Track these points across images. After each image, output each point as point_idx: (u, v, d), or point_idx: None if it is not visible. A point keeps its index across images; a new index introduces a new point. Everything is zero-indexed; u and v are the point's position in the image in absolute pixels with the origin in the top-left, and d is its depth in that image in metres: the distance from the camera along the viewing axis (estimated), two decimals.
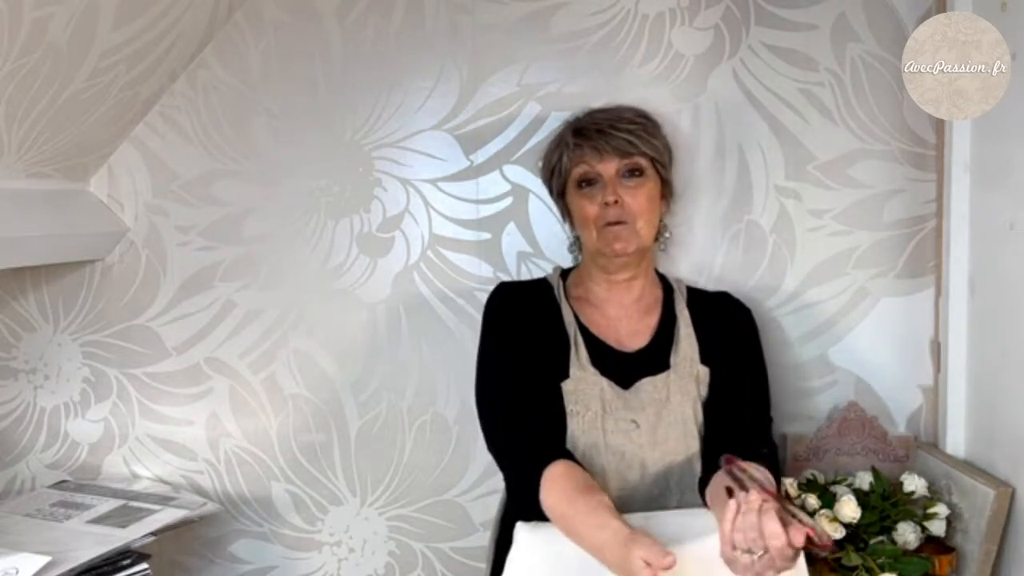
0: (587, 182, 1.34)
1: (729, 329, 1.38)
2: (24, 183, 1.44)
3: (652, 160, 1.35)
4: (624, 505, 1.23)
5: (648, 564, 1.00)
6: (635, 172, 1.33)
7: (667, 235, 1.45)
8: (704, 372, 1.33)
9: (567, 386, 1.30)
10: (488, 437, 1.32)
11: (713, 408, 1.32)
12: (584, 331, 1.35)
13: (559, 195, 1.42)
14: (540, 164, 1.46)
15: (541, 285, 1.42)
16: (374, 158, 1.61)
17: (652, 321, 1.38)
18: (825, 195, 1.57)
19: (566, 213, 1.44)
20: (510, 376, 1.31)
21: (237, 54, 1.61)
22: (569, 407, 1.29)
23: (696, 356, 1.34)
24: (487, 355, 1.35)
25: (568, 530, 1.15)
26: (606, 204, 1.31)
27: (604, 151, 1.32)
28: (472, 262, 1.62)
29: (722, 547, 1.00)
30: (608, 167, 1.32)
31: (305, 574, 1.70)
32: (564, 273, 1.46)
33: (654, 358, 1.34)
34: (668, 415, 1.29)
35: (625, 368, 1.32)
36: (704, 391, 1.33)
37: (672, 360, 1.33)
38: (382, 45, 1.59)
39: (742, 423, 1.30)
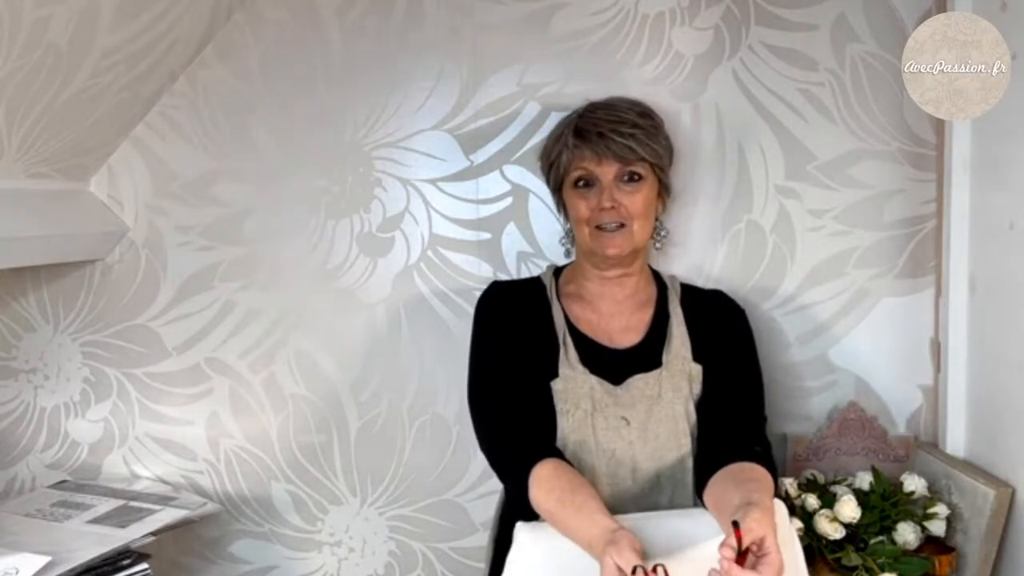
0: (585, 182, 1.34)
1: (722, 327, 1.38)
2: (24, 183, 1.44)
3: (651, 165, 1.34)
4: (616, 503, 1.24)
5: (620, 569, 1.00)
6: (634, 177, 1.33)
7: (663, 234, 1.45)
8: (697, 370, 1.33)
9: (556, 385, 1.30)
10: (480, 437, 1.32)
11: (706, 406, 1.32)
12: (574, 330, 1.36)
13: (555, 189, 1.42)
14: (540, 156, 1.46)
15: (533, 284, 1.43)
16: (374, 158, 1.61)
17: (645, 317, 1.38)
18: (825, 195, 1.57)
19: (561, 206, 1.44)
20: (501, 376, 1.31)
21: (237, 54, 1.61)
22: (559, 406, 1.29)
23: (688, 354, 1.34)
24: (478, 355, 1.36)
25: (559, 527, 1.15)
26: (602, 209, 1.32)
27: (604, 156, 1.31)
28: (472, 262, 1.62)
29: None
30: (607, 172, 1.32)
31: (305, 574, 1.70)
32: (558, 271, 1.46)
33: (646, 355, 1.34)
34: (659, 412, 1.30)
35: (617, 366, 1.33)
36: (697, 389, 1.33)
37: (664, 357, 1.33)
38: (382, 45, 1.59)
39: (735, 421, 1.30)
